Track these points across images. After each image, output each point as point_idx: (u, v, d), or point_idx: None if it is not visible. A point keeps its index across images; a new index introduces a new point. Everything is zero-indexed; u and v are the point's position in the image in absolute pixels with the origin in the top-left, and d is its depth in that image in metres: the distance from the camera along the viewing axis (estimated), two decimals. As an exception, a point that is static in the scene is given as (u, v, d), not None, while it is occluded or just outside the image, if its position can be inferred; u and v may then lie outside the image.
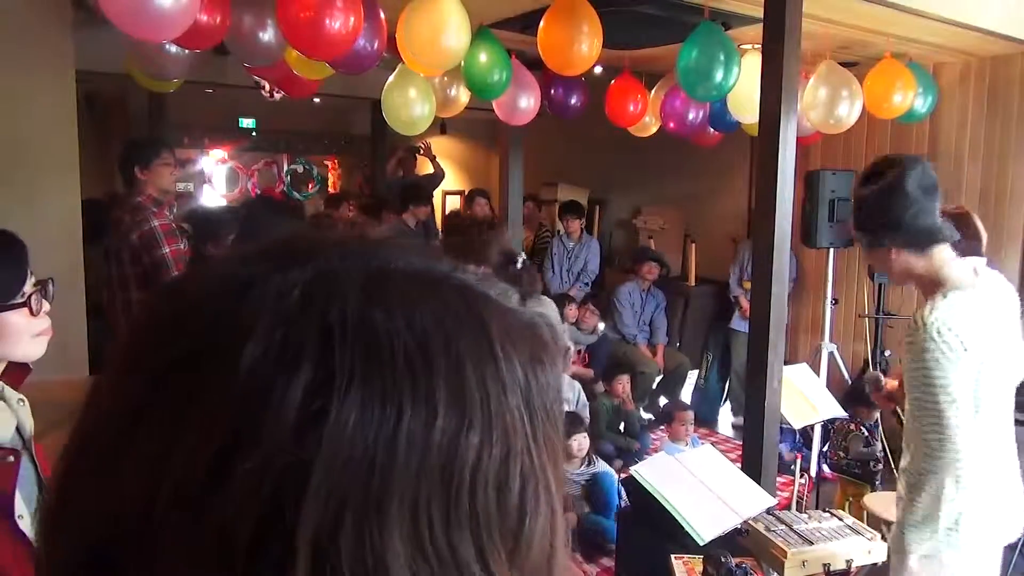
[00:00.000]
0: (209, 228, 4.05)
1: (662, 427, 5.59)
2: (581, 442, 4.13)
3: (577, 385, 4.89)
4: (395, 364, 0.34)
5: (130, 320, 0.40)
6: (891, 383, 2.54)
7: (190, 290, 0.39)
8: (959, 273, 1.97)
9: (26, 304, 1.36)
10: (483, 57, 3.71)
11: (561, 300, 5.93)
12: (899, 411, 3.30)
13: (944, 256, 1.97)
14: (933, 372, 1.87)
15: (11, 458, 1.32)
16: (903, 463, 2.09)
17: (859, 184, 2.05)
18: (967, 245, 3.14)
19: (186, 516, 0.32)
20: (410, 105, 3.98)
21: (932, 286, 1.99)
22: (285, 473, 0.32)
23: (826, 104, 4.13)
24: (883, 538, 2.52)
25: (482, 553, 0.35)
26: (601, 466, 4.26)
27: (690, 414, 4.64)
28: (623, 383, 5.09)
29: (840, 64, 4.35)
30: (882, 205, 1.94)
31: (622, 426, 5.08)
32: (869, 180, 2.00)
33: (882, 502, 3.49)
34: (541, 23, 3.43)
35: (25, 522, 1.31)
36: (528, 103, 4.15)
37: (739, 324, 5.77)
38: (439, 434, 0.34)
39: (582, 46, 3.37)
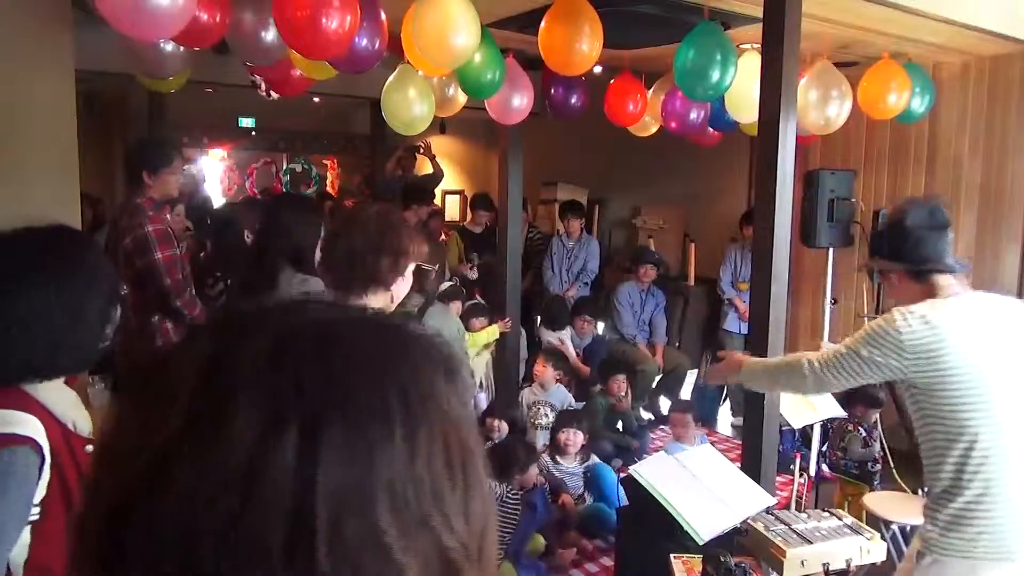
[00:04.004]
0: (226, 223, 4.53)
1: (662, 427, 5.59)
2: (570, 436, 4.17)
3: (565, 392, 4.92)
4: (362, 409, 0.42)
5: (128, 391, 0.47)
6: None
7: (173, 371, 0.45)
8: (952, 294, 2.09)
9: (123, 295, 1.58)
10: (477, 57, 3.71)
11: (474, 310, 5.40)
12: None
13: (941, 284, 2.10)
14: (863, 336, 2.10)
15: (90, 447, 1.42)
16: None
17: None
18: None
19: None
20: (410, 105, 3.98)
21: None
22: (293, 537, 0.39)
23: (816, 105, 4.11)
24: (882, 537, 2.52)
25: (442, 509, 0.43)
26: (595, 461, 4.28)
27: (685, 416, 4.58)
28: (619, 382, 5.10)
29: (840, 64, 4.35)
30: (886, 237, 2.21)
31: (620, 425, 5.09)
32: (887, 218, 2.30)
33: (882, 502, 3.50)
34: (542, 23, 3.43)
35: None
36: (521, 102, 4.13)
37: (732, 325, 5.77)
38: (400, 467, 0.42)
39: (583, 46, 3.37)
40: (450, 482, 0.44)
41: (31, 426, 1.32)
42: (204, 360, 0.44)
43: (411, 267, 2.08)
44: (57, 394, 1.40)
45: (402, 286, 2.08)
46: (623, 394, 5.11)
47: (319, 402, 0.41)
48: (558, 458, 4.21)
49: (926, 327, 1.98)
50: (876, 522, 3.24)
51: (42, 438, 1.32)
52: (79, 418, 1.42)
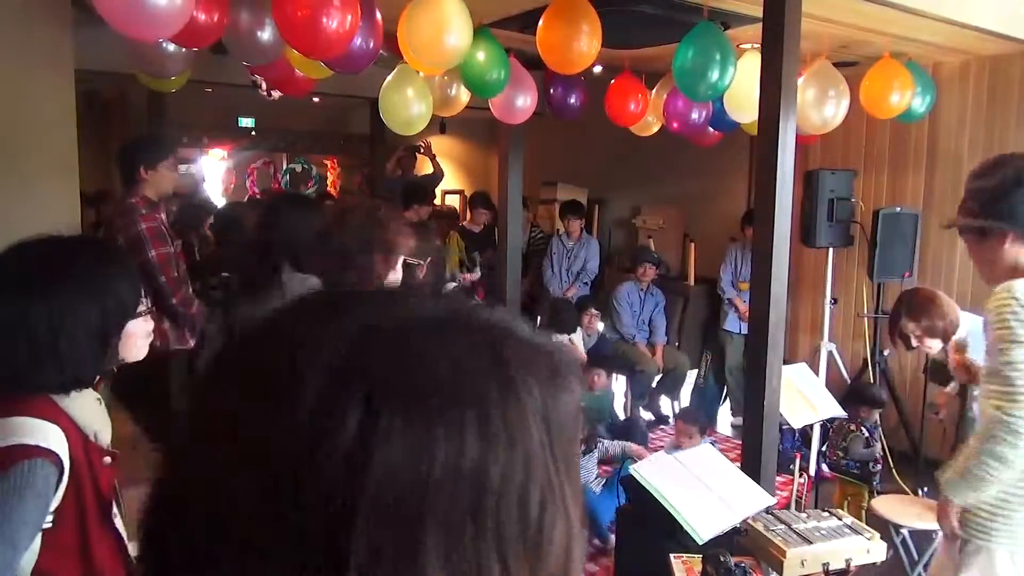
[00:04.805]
0: (230, 220, 4.73)
1: (662, 427, 5.59)
2: None
3: None
4: (429, 408, 0.39)
5: (212, 361, 0.46)
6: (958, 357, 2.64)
7: (253, 346, 0.45)
8: None
9: (149, 311, 1.49)
10: (481, 56, 3.71)
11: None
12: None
13: None
14: (1008, 334, 1.88)
15: (108, 459, 1.43)
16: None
17: (976, 176, 2.07)
18: None
19: (249, 535, 0.38)
20: (408, 104, 3.98)
21: None
22: (334, 510, 0.37)
23: (814, 105, 4.10)
24: (892, 543, 2.50)
25: (506, 566, 0.39)
26: (609, 446, 4.30)
27: (691, 427, 4.25)
28: (600, 375, 5.12)
29: (840, 64, 4.35)
30: (1005, 194, 1.97)
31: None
32: (988, 172, 2.03)
33: (890, 506, 3.48)
34: (540, 22, 3.43)
35: (119, 520, 1.44)
36: (525, 102, 4.13)
37: (732, 325, 5.76)
38: (468, 463, 0.38)
39: (581, 45, 3.37)
40: (520, 525, 0.39)
41: (54, 438, 1.31)
42: (285, 340, 0.43)
43: (401, 261, 2.13)
44: (83, 404, 1.39)
45: (393, 280, 2.13)
46: (604, 387, 5.13)
47: (386, 394, 0.39)
48: None
49: None
50: (886, 527, 3.19)
51: (63, 450, 1.32)
52: (102, 430, 1.41)
